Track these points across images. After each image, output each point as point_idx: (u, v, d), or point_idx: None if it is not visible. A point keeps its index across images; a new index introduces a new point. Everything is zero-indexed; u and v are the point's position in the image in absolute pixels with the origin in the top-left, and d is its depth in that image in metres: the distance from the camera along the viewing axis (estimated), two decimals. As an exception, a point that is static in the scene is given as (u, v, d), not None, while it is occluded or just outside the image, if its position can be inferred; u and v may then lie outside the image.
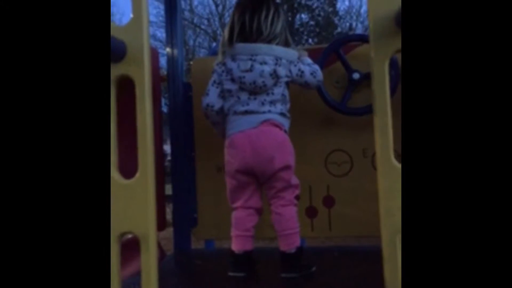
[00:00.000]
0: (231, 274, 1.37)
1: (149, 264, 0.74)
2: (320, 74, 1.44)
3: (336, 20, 14.54)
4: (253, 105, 1.37)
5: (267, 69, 1.36)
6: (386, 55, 0.73)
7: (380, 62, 0.73)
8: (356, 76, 1.66)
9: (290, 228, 1.36)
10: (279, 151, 1.36)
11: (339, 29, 14.09)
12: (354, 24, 14.10)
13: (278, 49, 1.39)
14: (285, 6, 12.15)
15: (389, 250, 0.71)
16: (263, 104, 1.37)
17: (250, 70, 1.36)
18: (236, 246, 1.40)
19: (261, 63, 1.36)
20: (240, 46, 1.40)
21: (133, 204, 0.74)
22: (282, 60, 1.38)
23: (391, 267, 0.70)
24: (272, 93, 1.38)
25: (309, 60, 1.45)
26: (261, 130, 1.36)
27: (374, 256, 0.84)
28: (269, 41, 1.39)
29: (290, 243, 1.35)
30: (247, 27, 1.40)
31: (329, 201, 1.75)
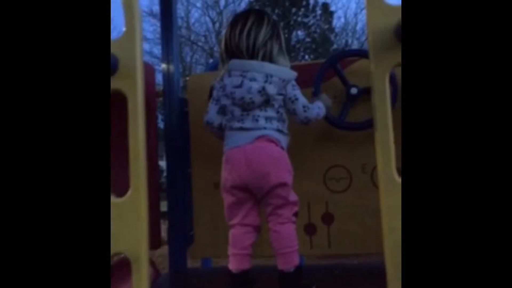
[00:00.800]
0: None
1: (140, 286, 0.71)
2: (312, 115, 1.39)
3: (332, 37, 14.70)
4: (248, 121, 1.36)
5: (255, 86, 1.34)
6: (386, 69, 0.71)
7: (380, 76, 0.71)
8: (354, 91, 1.65)
9: (289, 247, 1.32)
10: (275, 167, 1.33)
11: (335, 46, 14.24)
12: (350, 40, 14.26)
13: (270, 67, 1.36)
14: (281, 24, 12.29)
15: (393, 269, 0.68)
16: (257, 120, 1.35)
17: (240, 86, 1.36)
18: (233, 265, 1.36)
19: (250, 80, 1.35)
20: (233, 63, 1.39)
21: (125, 224, 0.71)
22: (273, 77, 1.35)
23: (395, 287, 0.67)
24: (265, 110, 1.36)
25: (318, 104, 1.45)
26: (257, 146, 1.34)
27: (376, 275, 0.81)
28: (251, 55, 1.37)
29: (288, 262, 1.31)
30: (228, 44, 1.41)
31: (328, 218, 1.72)
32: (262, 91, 1.34)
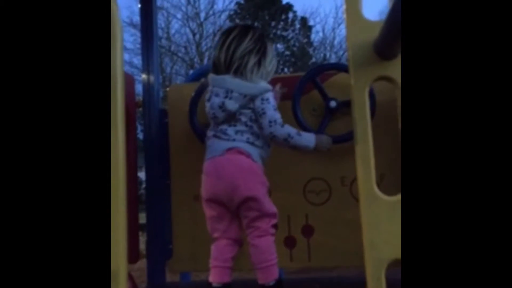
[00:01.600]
0: None
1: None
2: (280, 133, 1.35)
3: (310, 50, 14.90)
4: (219, 132, 1.38)
5: (217, 101, 1.36)
6: (366, 83, 0.72)
7: (360, 89, 0.72)
8: (333, 104, 1.66)
9: (267, 260, 1.31)
10: (244, 180, 1.32)
11: (313, 59, 14.43)
12: (328, 54, 14.47)
13: (231, 81, 1.36)
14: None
15: (374, 283, 0.68)
16: (226, 133, 1.36)
17: (208, 100, 1.40)
18: (213, 277, 1.34)
19: (215, 95, 1.38)
20: (209, 76, 1.44)
21: (103, 237, 0.69)
22: (234, 93, 1.35)
23: (376, 302, 0.67)
24: (234, 125, 1.36)
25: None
26: (226, 158, 1.34)
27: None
28: (227, 68, 1.38)
29: (268, 276, 1.30)
30: (212, 57, 1.45)
31: (308, 231, 1.72)
32: (222, 106, 1.35)
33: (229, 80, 1.37)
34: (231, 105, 1.34)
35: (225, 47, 1.39)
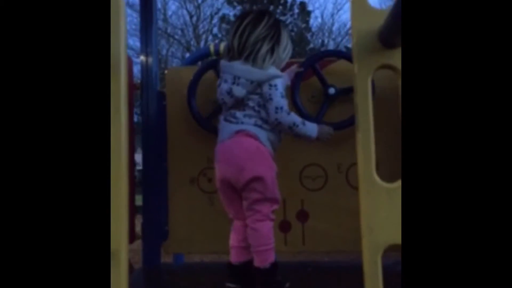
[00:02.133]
0: (228, 285, 1.37)
1: (119, 280, 0.70)
2: (285, 120, 1.35)
3: (308, 36, 14.80)
4: (228, 116, 1.40)
5: (225, 87, 1.38)
6: (369, 71, 0.73)
7: (363, 78, 0.73)
8: (332, 91, 1.67)
9: (265, 244, 1.33)
10: (250, 162, 1.34)
11: (311, 45, 14.34)
12: (326, 40, 14.39)
13: (238, 68, 1.37)
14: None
15: (370, 268, 0.70)
16: (234, 116, 1.38)
17: (218, 86, 1.42)
18: (232, 257, 1.40)
19: (224, 81, 1.40)
20: (221, 63, 1.45)
21: (105, 218, 0.70)
22: (241, 79, 1.36)
23: (372, 285, 0.69)
24: (243, 109, 1.38)
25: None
26: (234, 141, 1.36)
27: (349, 272, 0.82)
28: (240, 54, 1.38)
29: (264, 259, 1.33)
30: (227, 43, 1.46)
31: (303, 216, 1.74)
32: (230, 92, 1.36)
33: (237, 66, 1.38)
34: (238, 91, 1.35)
35: (238, 33, 1.39)
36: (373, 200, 0.72)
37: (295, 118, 1.38)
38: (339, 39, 13.52)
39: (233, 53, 1.40)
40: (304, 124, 1.39)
